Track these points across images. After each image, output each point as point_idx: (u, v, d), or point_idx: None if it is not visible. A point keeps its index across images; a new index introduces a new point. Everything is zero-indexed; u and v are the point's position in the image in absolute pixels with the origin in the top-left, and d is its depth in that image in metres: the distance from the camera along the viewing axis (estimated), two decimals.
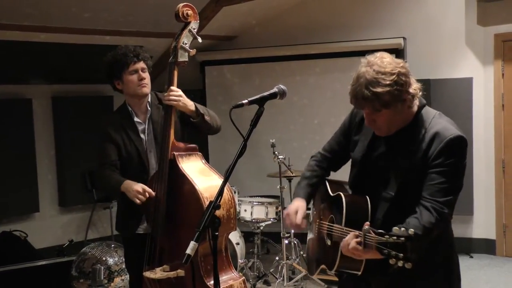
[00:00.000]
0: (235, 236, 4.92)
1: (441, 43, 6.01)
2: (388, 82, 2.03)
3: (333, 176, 2.62)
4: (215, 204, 2.05)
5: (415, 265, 2.15)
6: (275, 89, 2.33)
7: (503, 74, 5.83)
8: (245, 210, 5.08)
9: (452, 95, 5.94)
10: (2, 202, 5.83)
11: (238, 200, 5.13)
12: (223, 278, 3.03)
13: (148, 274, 2.96)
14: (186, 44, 3.01)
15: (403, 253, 1.87)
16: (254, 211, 5.07)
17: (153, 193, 2.97)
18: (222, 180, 3.00)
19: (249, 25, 6.74)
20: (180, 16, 3.01)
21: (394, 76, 2.04)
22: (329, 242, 2.34)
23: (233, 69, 6.73)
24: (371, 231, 1.99)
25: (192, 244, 1.99)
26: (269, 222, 5.17)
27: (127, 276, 4.60)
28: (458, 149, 2.11)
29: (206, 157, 4.75)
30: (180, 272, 2.94)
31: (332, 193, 2.41)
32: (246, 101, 2.26)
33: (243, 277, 3.10)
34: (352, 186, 2.39)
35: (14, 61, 5.65)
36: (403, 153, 2.17)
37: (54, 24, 5.39)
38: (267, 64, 6.56)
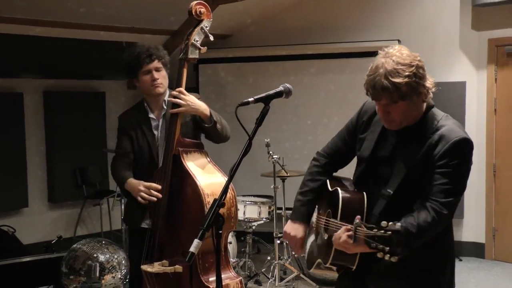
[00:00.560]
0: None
1: (435, 46, 6.03)
2: (407, 73, 2.03)
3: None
4: (220, 202, 2.03)
5: (416, 273, 2.18)
6: (280, 88, 2.32)
7: (496, 79, 5.87)
8: (238, 209, 5.05)
9: (445, 98, 5.92)
10: None
11: None
12: None
13: (145, 267, 2.98)
14: (197, 41, 3.02)
15: (389, 247, 1.88)
16: (246, 210, 5.06)
17: (159, 187, 3.02)
18: (225, 177, 3.04)
19: (245, 24, 6.73)
20: (193, 13, 3.01)
21: (413, 68, 2.05)
22: (325, 236, 2.33)
23: (227, 68, 6.71)
24: (362, 225, 1.99)
25: (196, 242, 1.98)
26: (261, 221, 5.15)
27: (118, 274, 4.57)
28: (463, 152, 2.10)
29: None
30: (178, 268, 2.95)
31: (331, 188, 2.40)
32: (252, 99, 2.25)
33: (240, 278, 3.09)
34: (356, 184, 2.38)
35: (6, 54, 5.58)
36: (408, 152, 2.16)
37: (49, 18, 5.34)
38: (261, 63, 6.55)
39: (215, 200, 2.06)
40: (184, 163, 2.99)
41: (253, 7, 6.22)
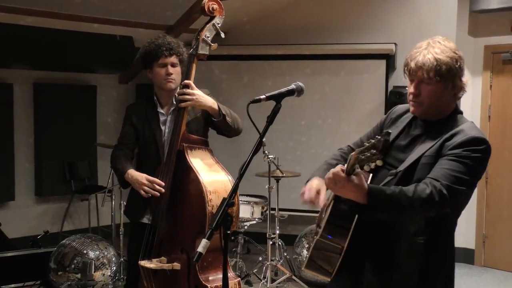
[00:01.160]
0: None
1: None
2: (451, 55, 2.08)
3: None
4: (229, 201, 1.97)
5: (414, 275, 2.12)
6: (292, 86, 2.27)
7: (491, 86, 5.88)
8: (239, 209, 5.00)
9: None
10: None
11: None
12: (218, 276, 2.98)
13: (143, 263, 2.96)
14: (208, 37, 3.02)
15: (376, 149, 1.85)
16: (239, 210, 4.98)
17: (163, 183, 2.98)
18: (228, 176, 3.00)
19: (240, 22, 6.66)
20: (206, 10, 3.01)
21: (457, 55, 2.10)
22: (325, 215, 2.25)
23: (221, 66, 6.64)
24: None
25: (204, 242, 1.92)
26: (254, 222, 5.09)
27: (108, 271, 4.49)
28: (479, 149, 2.04)
29: None
30: (176, 265, 2.93)
31: None
32: (263, 96, 2.21)
33: (239, 279, 3.06)
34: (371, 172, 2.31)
35: None
36: (425, 143, 2.14)
37: (41, 8, 5.23)
38: (256, 62, 6.49)
39: (224, 199, 2.01)
40: (188, 159, 2.96)
41: (249, 5, 6.17)
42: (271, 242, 4.95)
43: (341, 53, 6.16)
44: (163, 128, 3.19)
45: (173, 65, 3.10)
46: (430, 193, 1.95)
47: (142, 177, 3.02)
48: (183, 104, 2.99)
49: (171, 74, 3.09)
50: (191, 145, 3.02)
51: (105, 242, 4.63)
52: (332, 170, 1.96)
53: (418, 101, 2.14)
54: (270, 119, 2.20)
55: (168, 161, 3.01)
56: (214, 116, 3.06)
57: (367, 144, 1.86)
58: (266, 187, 4.98)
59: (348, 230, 2.06)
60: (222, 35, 3.01)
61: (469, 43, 5.93)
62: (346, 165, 1.93)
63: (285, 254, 5.22)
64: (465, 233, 6.03)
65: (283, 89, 2.25)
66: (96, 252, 4.49)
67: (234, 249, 5.24)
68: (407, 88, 2.23)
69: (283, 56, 6.40)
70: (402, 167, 2.12)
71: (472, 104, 5.96)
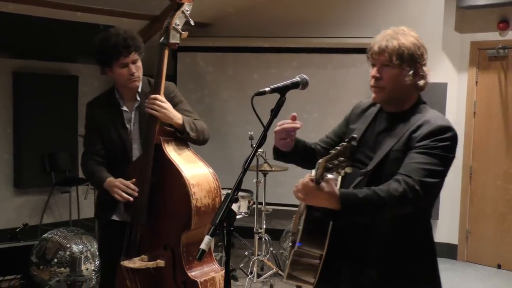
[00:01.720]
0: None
1: None
2: (414, 41, 2.12)
3: None
4: (233, 196, 1.91)
5: (393, 275, 2.09)
6: (297, 78, 2.20)
7: (476, 82, 5.90)
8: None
9: (426, 99, 5.91)
10: None
11: None
12: (204, 269, 2.91)
13: (126, 263, 2.83)
14: (178, 25, 2.85)
15: (343, 157, 1.77)
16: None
17: (136, 188, 2.83)
18: (209, 168, 2.90)
19: (226, 13, 6.57)
20: None
21: (420, 43, 2.14)
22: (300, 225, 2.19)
23: (206, 57, 6.55)
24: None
25: (207, 239, 1.86)
26: (240, 216, 5.03)
27: (91, 265, 4.39)
28: (445, 138, 2.03)
29: None
30: (160, 263, 2.83)
31: None
32: (268, 88, 2.13)
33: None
34: None
35: None
36: (391, 136, 2.13)
37: None
38: (242, 54, 6.42)
39: (227, 194, 1.95)
40: (166, 153, 2.83)
41: None
42: (257, 237, 4.90)
43: (328, 47, 6.12)
44: (128, 126, 3.02)
45: (134, 62, 2.93)
46: (403, 191, 1.92)
47: (115, 180, 2.86)
48: (150, 112, 2.84)
49: (135, 72, 2.93)
50: (167, 137, 2.89)
51: (89, 235, 4.52)
52: (301, 181, 1.93)
53: (380, 85, 2.14)
54: (275, 112, 2.13)
55: (145, 157, 2.85)
56: (178, 131, 2.91)
57: (334, 152, 1.81)
58: (254, 181, 4.92)
59: (325, 237, 2.04)
60: (192, 22, 2.87)
61: (456, 39, 5.94)
62: (314, 173, 1.90)
63: (271, 248, 5.17)
64: (448, 229, 6.07)
65: (288, 82, 2.18)
66: (80, 246, 4.37)
67: (219, 243, 5.17)
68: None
69: (269, 48, 6.34)
70: (371, 166, 2.10)
71: (458, 100, 5.98)
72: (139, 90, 3.02)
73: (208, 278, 2.85)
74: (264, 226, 5.03)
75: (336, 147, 1.80)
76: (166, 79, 2.95)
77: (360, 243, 2.14)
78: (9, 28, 5.46)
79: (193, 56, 6.57)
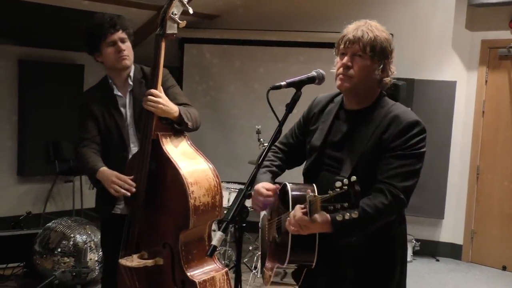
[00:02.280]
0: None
1: (427, 43, 5.96)
2: (387, 36, 2.13)
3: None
4: (246, 192, 1.87)
5: (375, 265, 2.12)
6: (313, 73, 2.18)
7: (486, 81, 5.84)
8: (223, 197, 4.88)
9: (435, 97, 5.91)
10: None
11: None
12: (204, 269, 2.84)
13: (124, 261, 2.76)
14: (175, 14, 2.71)
15: (347, 202, 1.81)
16: (231, 197, 4.87)
17: (134, 184, 2.76)
18: (209, 164, 2.82)
19: (234, 5, 6.51)
20: None
21: (391, 40, 2.16)
22: (279, 238, 2.22)
23: (213, 49, 6.50)
24: (315, 197, 1.93)
25: (218, 234, 1.82)
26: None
27: (95, 256, 4.36)
28: (416, 134, 2.06)
29: None
30: (159, 260, 2.77)
31: (280, 191, 2.25)
32: (284, 82, 2.11)
33: (226, 269, 2.90)
34: (306, 176, 2.29)
35: None
36: (360, 135, 2.13)
37: None
38: (249, 47, 6.37)
39: (240, 190, 1.92)
40: (164, 149, 2.74)
41: None
42: None
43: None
44: (123, 110, 2.97)
45: (122, 41, 2.87)
46: (389, 204, 2.00)
47: (112, 174, 2.78)
48: (146, 107, 2.75)
49: (123, 50, 2.87)
50: (166, 132, 2.80)
51: (93, 226, 4.48)
52: (293, 216, 1.97)
53: (348, 74, 2.13)
54: (290, 107, 2.10)
55: (142, 153, 2.77)
56: (176, 123, 2.82)
57: (332, 193, 1.83)
58: None
59: (313, 249, 2.09)
60: (190, 10, 2.71)
61: (466, 37, 5.88)
62: (307, 208, 1.94)
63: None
64: (453, 228, 6.03)
65: (303, 76, 2.16)
66: (84, 236, 4.34)
67: (224, 237, 5.13)
68: (334, 66, 2.22)
69: (276, 42, 6.29)
70: (346, 173, 2.08)
71: (467, 99, 5.92)
72: (131, 74, 2.97)
73: (208, 278, 2.78)
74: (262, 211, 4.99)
75: (336, 189, 1.82)
76: (172, 71, 2.87)
77: (328, 248, 2.13)
78: (16, 15, 5.42)
79: (200, 48, 6.52)
